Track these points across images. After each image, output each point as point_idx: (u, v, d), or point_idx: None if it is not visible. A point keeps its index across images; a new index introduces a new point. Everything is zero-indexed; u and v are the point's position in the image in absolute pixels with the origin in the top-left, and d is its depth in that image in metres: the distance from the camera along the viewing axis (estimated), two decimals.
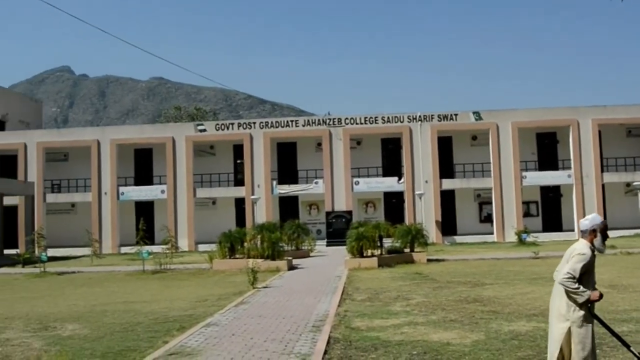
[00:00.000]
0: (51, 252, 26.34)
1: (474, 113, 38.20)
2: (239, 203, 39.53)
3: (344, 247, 23.81)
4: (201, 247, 35.76)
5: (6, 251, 32.81)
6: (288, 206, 39.85)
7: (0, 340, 9.48)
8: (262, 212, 37.30)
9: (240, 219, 37.97)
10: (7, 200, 35.37)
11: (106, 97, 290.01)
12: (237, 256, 22.73)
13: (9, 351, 8.66)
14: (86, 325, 10.69)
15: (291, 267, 21.40)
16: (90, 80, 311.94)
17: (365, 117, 38.61)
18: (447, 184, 37.84)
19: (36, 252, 27.86)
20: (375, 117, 38.46)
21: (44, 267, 23.35)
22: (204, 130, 39.50)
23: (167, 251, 25.07)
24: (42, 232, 28.90)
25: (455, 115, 38.17)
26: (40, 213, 38.20)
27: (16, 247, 35.74)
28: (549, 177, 37.75)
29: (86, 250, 32.99)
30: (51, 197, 39.95)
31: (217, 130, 39.53)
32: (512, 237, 34.42)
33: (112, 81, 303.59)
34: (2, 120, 44.51)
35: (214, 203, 40.80)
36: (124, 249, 36.64)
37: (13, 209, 37.31)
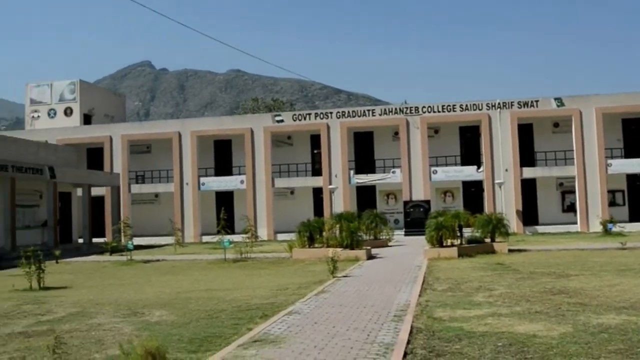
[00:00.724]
0: (136, 241, 27.31)
1: (555, 99, 37.07)
2: (317, 193, 39.78)
3: (422, 236, 23.62)
4: (280, 237, 36.31)
5: (94, 240, 34.15)
6: (365, 196, 39.84)
7: (93, 325, 9.83)
8: (340, 201, 37.41)
9: (318, 209, 38.23)
10: (95, 191, 36.76)
11: (185, 90, 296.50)
12: (316, 245, 22.90)
13: (101, 335, 8.98)
14: (172, 311, 10.99)
15: (370, 257, 21.39)
16: (170, 74, 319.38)
17: (443, 105, 38.08)
18: (528, 172, 36.92)
19: (122, 240, 28.86)
20: (453, 105, 37.88)
21: (130, 255, 24.16)
22: (282, 121, 39.88)
23: (247, 240, 25.51)
24: (128, 222, 29.88)
25: (536, 101, 37.14)
26: (126, 203, 39.56)
27: (103, 236, 37.19)
28: (636, 165, 36.24)
29: (169, 239, 34.02)
30: (135, 188, 41.27)
31: (295, 120, 39.82)
32: (596, 227, 33.29)
33: (191, 75, 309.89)
34: (89, 114, 46.23)
35: (292, 193, 41.21)
36: (205, 238, 37.57)
37: (100, 199, 38.80)
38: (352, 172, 38.78)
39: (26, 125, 46.92)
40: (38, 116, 45.89)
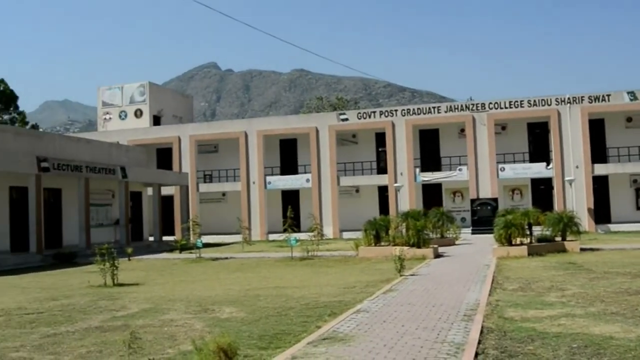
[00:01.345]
0: (204, 239, 27.72)
1: (628, 93, 35.82)
2: (382, 191, 39.65)
3: (490, 235, 23.26)
4: (345, 235, 36.36)
5: (164, 238, 34.95)
6: (431, 194, 39.47)
7: (165, 321, 10.06)
8: (405, 199, 37.18)
9: (384, 207, 38.11)
10: (164, 190, 37.62)
11: (250, 90, 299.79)
12: (382, 244, 22.82)
13: (173, 331, 9.18)
14: (242, 308, 11.14)
15: (437, 255, 21.17)
16: (235, 75, 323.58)
17: (510, 102, 37.35)
18: (600, 169, 35.83)
19: (191, 238, 29.42)
20: (521, 101, 37.10)
21: (199, 253, 24.63)
22: (347, 119, 39.90)
23: (313, 238, 25.61)
24: (197, 220, 30.45)
25: (608, 96, 36.00)
26: (194, 202, 40.35)
27: (173, 234, 38.02)
28: None
29: (236, 237, 34.49)
30: (203, 187, 42.05)
31: (359, 119, 39.76)
32: None
33: (255, 75, 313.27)
34: (158, 115, 47.35)
35: (357, 191, 41.21)
36: (271, 236, 37.97)
37: (169, 198, 39.70)
38: (417, 170, 38.47)
39: (98, 127, 48.41)
40: (110, 118, 47.28)
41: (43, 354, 7.94)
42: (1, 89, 58.89)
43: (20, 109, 61.82)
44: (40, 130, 58.79)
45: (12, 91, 59.93)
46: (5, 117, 59.29)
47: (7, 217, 26.98)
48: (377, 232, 23.13)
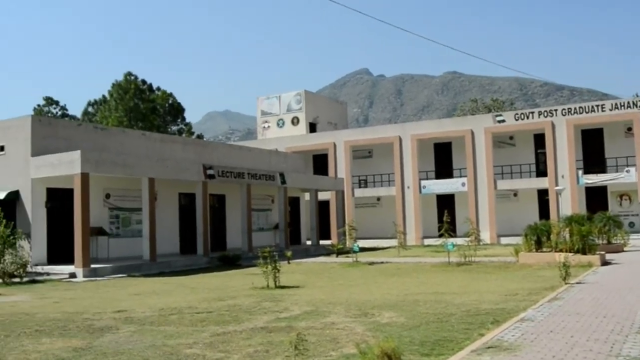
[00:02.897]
0: (359, 243, 27.99)
1: None
2: (542, 194, 38.11)
3: None
4: (503, 240, 35.33)
5: (321, 242, 35.70)
6: (595, 197, 37.35)
7: (327, 324, 10.26)
8: (567, 203, 35.43)
9: (544, 211, 36.61)
10: (321, 195, 38.43)
11: (402, 95, 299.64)
12: (544, 250, 21.89)
13: (335, 334, 9.33)
14: (401, 313, 11.13)
15: (604, 262, 20.00)
16: (387, 80, 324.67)
17: None
18: None
19: (347, 243, 29.83)
20: None
21: (356, 257, 24.92)
22: (503, 121, 38.74)
23: (470, 243, 25.08)
24: (353, 225, 30.84)
25: None
26: (350, 206, 40.90)
27: (329, 238, 38.77)
28: None
29: (391, 242, 34.50)
30: (358, 192, 42.54)
31: (516, 120, 38.46)
32: None
33: (407, 79, 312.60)
34: (314, 122, 48.54)
35: (515, 195, 39.89)
36: (427, 241, 37.65)
37: (325, 203, 40.52)
38: (580, 172, 36.55)
39: (258, 135, 50.43)
40: (268, 126, 49.12)
41: (214, 351, 8.36)
42: (170, 102, 63.11)
43: (187, 120, 65.94)
44: (204, 139, 62.18)
45: (179, 104, 64.10)
46: (174, 128, 63.45)
47: (177, 222, 28.82)
48: (539, 238, 22.21)
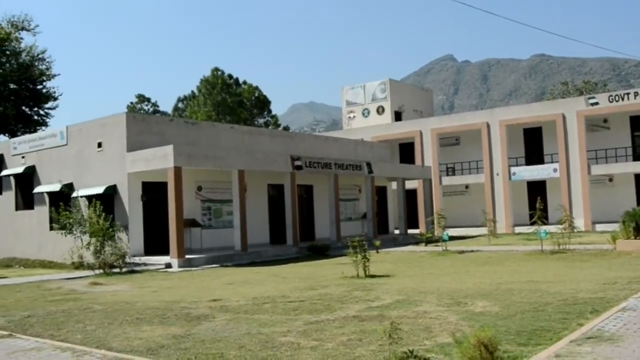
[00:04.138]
0: (448, 232, 27.65)
1: None
2: (639, 179, 36.53)
3: None
4: (598, 227, 34.24)
5: (409, 231, 35.52)
6: None
7: (419, 313, 10.20)
8: None
9: None
10: (408, 184, 38.20)
11: (488, 80, 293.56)
12: None
13: (428, 323, 9.27)
14: (495, 302, 10.93)
15: None
16: (472, 66, 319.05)
17: None
18: None
19: (436, 231, 29.55)
20: None
21: (445, 245, 24.64)
22: (596, 103, 37.31)
23: (563, 231, 24.34)
24: (442, 213, 30.51)
25: None
26: (437, 195, 40.47)
27: (416, 227, 38.53)
28: None
29: (481, 230, 33.98)
30: (446, 180, 42.02)
31: (611, 102, 36.95)
32: None
33: (493, 64, 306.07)
34: (399, 111, 48.26)
35: (610, 180, 38.43)
36: (517, 229, 36.83)
37: (412, 192, 40.24)
38: None
39: (343, 125, 50.58)
40: (354, 116, 49.18)
41: (308, 339, 8.46)
42: (256, 95, 64.17)
43: (272, 112, 66.93)
44: (290, 131, 62.95)
45: (265, 96, 65.11)
46: (261, 120, 64.53)
47: (266, 212, 29.32)
48: (637, 224, 21.29)
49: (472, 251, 24.30)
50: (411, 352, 7.03)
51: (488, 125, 40.17)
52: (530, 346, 7.47)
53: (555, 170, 37.90)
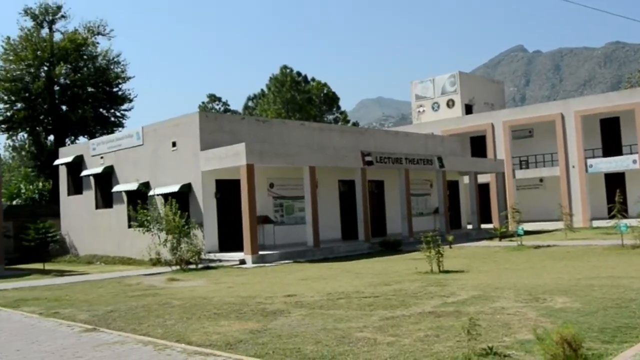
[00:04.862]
0: (523, 226, 27.13)
1: None
2: None
3: None
4: None
5: (482, 226, 34.95)
6: None
7: (497, 309, 10.03)
8: None
9: None
10: (480, 178, 37.60)
11: (561, 70, 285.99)
12: None
13: (506, 319, 9.11)
14: (575, 298, 10.66)
15: None
16: (543, 56, 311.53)
17: None
18: None
19: (510, 226, 28.99)
20: None
21: (520, 240, 24.15)
22: None
23: None
24: (517, 207, 29.88)
25: None
26: (511, 189, 39.69)
27: (489, 221, 37.86)
28: None
29: (556, 224, 33.15)
30: (520, 173, 41.19)
31: None
32: None
33: (565, 53, 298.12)
34: (470, 104, 47.55)
35: None
36: (595, 223, 35.77)
37: (485, 186, 39.57)
38: None
39: (413, 119, 50.20)
40: (423, 110, 48.74)
41: (384, 335, 8.45)
42: (325, 91, 64.41)
43: (341, 108, 67.05)
44: (359, 127, 62.92)
45: (334, 93, 65.30)
46: (330, 117, 64.77)
47: (338, 208, 29.39)
48: None
49: (548, 246, 23.74)
50: (490, 348, 6.95)
51: (562, 117, 39.10)
52: (615, 344, 7.26)
53: (634, 161, 36.58)
